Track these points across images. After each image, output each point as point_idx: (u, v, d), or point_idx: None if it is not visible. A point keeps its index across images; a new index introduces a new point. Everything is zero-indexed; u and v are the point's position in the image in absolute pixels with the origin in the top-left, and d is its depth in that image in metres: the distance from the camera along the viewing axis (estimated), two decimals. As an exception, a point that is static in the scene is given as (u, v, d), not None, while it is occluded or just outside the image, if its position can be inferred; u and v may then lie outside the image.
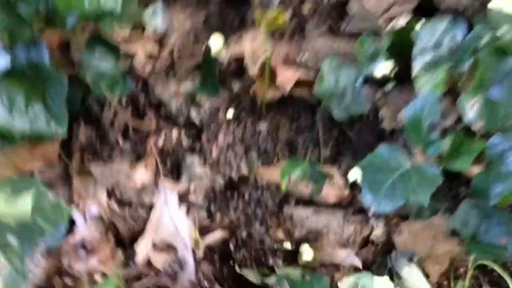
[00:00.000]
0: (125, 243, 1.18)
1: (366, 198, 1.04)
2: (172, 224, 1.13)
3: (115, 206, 1.17)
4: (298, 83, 1.31)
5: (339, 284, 1.08)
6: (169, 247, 1.11)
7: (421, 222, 1.24)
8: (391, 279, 1.10)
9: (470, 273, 1.11)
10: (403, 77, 1.25)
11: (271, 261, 1.20)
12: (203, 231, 1.27)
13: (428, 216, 1.25)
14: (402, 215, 1.30)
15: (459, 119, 1.26)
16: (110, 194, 1.22)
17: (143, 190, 1.28)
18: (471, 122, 1.06)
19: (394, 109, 1.30)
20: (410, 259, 1.12)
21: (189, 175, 1.27)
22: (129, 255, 1.14)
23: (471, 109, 1.06)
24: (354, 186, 1.33)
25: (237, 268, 1.22)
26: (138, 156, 1.31)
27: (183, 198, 1.22)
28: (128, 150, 1.30)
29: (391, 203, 1.01)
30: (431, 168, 1.03)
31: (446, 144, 1.13)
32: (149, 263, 1.11)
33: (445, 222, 1.24)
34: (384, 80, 1.29)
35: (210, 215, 1.29)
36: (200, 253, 1.25)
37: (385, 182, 1.04)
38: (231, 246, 1.26)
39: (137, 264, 1.07)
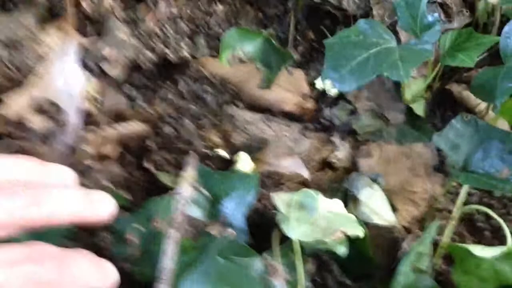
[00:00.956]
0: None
1: (326, 74, 0.74)
2: (62, 79, 0.83)
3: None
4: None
5: (271, 196, 0.77)
6: (53, 110, 0.81)
7: (399, 146, 0.94)
8: (344, 203, 0.80)
9: (452, 224, 0.80)
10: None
11: (195, 166, 0.89)
12: (116, 119, 0.96)
13: (410, 143, 0.94)
14: (374, 140, 0.99)
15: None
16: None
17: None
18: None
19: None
20: (374, 181, 0.82)
21: (109, 40, 0.97)
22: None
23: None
24: (321, 99, 1.03)
25: (153, 170, 0.91)
26: (52, 13, 1.01)
27: (90, 58, 0.92)
28: (40, 1, 1.00)
29: (358, 79, 0.71)
30: (421, 43, 0.73)
31: (448, 38, 0.84)
32: (22, 124, 0.81)
33: (429, 153, 0.94)
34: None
35: (129, 99, 0.99)
36: (106, 148, 0.95)
37: (356, 57, 0.74)
38: (149, 143, 0.96)
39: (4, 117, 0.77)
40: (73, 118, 0.82)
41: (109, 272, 0.38)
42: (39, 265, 0.33)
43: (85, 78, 0.83)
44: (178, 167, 0.98)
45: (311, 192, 0.79)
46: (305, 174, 0.86)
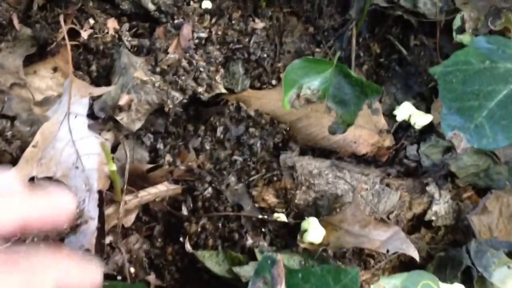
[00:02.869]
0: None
1: (449, 123, 0.50)
2: (72, 150, 0.60)
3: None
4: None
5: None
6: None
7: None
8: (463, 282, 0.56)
9: None
10: None
11: (249, 240, 0.67)
12: (139, 180, 0.73)
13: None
14: (479, 185, 0.76)
15: None
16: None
17: (43, 105, 0.74)
18: None
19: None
20: (510, 255, 0.58)
21: (124, 82, 0.73)
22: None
23: None
24: (401, 132, 0.79)
25: (189, 248, 0.68)
26: (42, 49, 0.77)
27: (101, 108, 0.68)
28: (27, 37, 0.76)
29: (508, 130, 0.47)
30: None
31: None
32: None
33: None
34: None
35: (155, 154, 0.75)
36: (128, 220, 0.72)
37: (493, 96, 0.50)
38: (184, 211, 0.73)
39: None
40: (91, 210, 0.58)
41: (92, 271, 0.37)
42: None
43: (101, 144, 0.58)
44: (225, 239, 0.75)
45: (426, 275, 0.55)
46: (413, 253, 0.62)
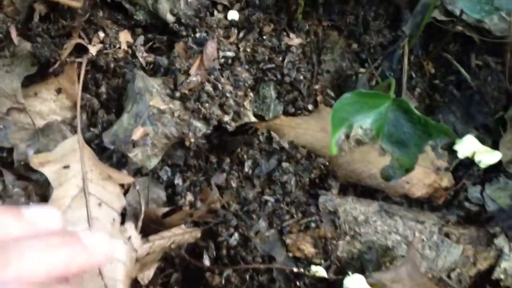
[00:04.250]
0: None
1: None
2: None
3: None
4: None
5: None
6: None
7: None
8: None
9: None
10: None
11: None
12: (154, 224, 0.62)
13: None
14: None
15: None
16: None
17: (46, 133, 0.64)
18: None
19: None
20: None
21: (138, 111, 0.62)
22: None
23: None
24: (462, 169, 0.67)
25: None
26: (44, 68, 0.67)
27: (112, 141, 0.57)
28: (26, 54, 0.65)
29: None
30: None
31: None
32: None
33: None
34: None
35: (172, 192, 0.65)
36: (144, 276, 0.62)
37: None
38: (206, 259, 0.62)
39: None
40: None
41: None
42: None
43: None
44: (255, 296, 0.64)
45: None
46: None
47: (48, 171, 0.59)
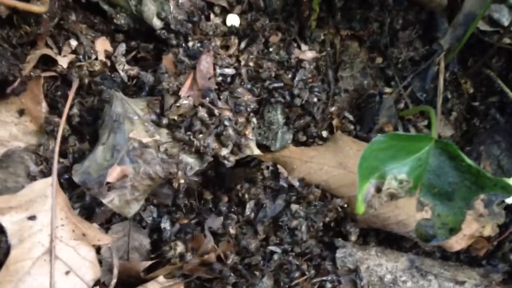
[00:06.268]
0: None
1: None
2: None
3: None
4: None
5: None
6: None
7: None
8: None
9: None
10: None
11: None
12: (134, 280, 0.50)
13: None
14: None
15: None
16: None
17: (5, 164, 0.52)
18: None
19: None
20: None
21: (116, 143, 0.49)
22: None
23: None
24: (508, 216, 0.55)
25: None
26: (3, 86, 0.54)
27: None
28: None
29: None
30: None
31: None
32: None
33: None
34: None
35: (159, 240, 0.53)
36: None
37: None
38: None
39: None
40: None
41: None
42: None
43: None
44: None
45: None
46: None
47: (8, 221, 0.47)
